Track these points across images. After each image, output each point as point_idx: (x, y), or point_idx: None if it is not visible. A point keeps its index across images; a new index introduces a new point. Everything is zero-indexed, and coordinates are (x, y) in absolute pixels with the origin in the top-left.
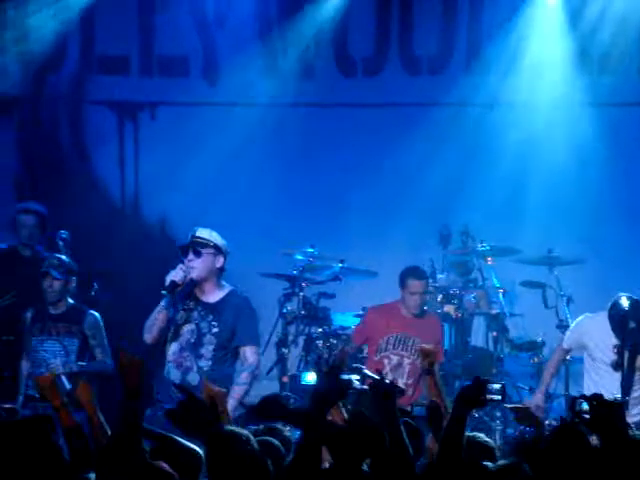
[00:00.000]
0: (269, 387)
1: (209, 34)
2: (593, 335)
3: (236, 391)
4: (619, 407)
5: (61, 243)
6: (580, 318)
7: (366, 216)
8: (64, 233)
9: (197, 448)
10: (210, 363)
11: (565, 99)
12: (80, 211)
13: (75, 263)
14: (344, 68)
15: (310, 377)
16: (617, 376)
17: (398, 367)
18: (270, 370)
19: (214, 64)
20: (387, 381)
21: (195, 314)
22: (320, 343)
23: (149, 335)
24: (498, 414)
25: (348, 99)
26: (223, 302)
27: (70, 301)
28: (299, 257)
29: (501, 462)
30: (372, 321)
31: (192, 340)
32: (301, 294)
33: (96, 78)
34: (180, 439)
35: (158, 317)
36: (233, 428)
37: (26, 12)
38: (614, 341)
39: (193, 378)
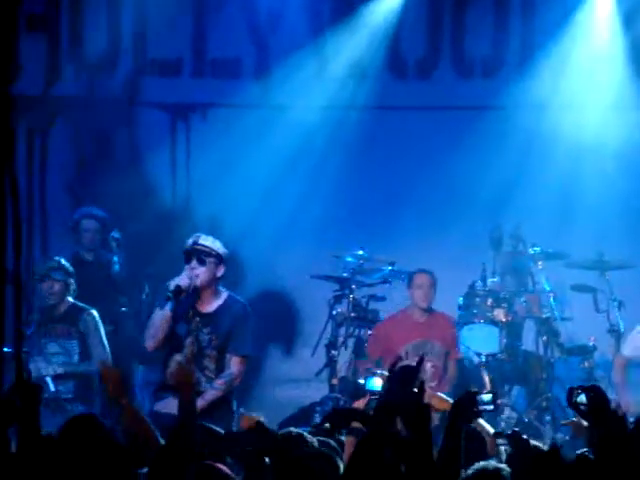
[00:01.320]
0: (319, 389)
1: (261, 36)
2: None
3: (208, 393)
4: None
5: (114, 243)
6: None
7: (417, 218)
8: (117, 233)
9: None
10: (216, 373)
11: (618, 102)
12: (132, 214)
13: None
14: (396, 70)
15: (377, 382)
16: None
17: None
18: (320, 372)
19: (266, 66)
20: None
21: (193, 325)
22: None
23: (152, 342)
24: (547, 418)
25: (400, 102)
26: (220, 311)
27: (70, 300)
28: (349, 259)
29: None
30: (385, 334)
31: (194, 352)
32: (351, 296)
33: (149, 80)
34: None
35: (162, 323)
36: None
37: (81, 14)
38: None
39: (204, 389)
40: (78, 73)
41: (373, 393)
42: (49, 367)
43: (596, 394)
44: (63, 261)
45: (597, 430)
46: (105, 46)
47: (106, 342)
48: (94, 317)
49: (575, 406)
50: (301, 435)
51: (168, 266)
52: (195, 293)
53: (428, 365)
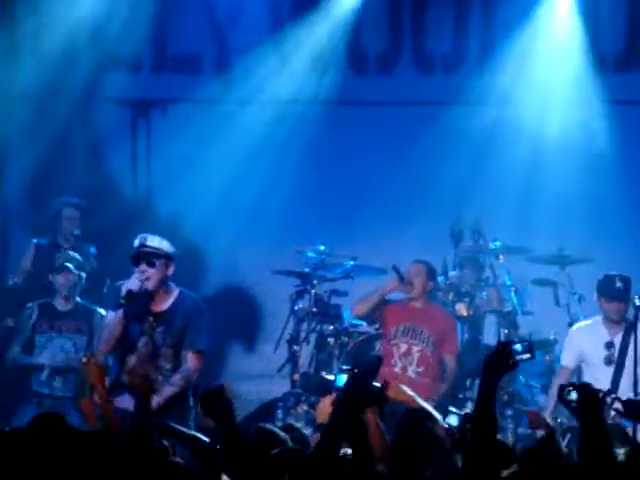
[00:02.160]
0: (281, 385)
1: (221, 31)
2: (585, 340)
3: (165, 390)
4: (603, 397)
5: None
6: (570, 332)
7: (378, 214)
8: (76, 230)
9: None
10: (171, 372)
11: (578, 97)
12: (93, 209)
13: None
14: (357, 66)
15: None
16: (610, 372)
17: (407, 355)
18: (282, 368)
19: (226, 61)
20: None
21: (146, 325)
22: (332, 341)
23: (106, 346)
24: (509, 412)
25: (360, 97)
26: (173, 309)
27: (78, 299)
28: (311, 254)
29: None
30: (390, 307)
31: (149, 352)
32: (313, 291)
33: (109, 76)
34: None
35: (116, 328)
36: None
37: (41, 9)
38: (606, 338)
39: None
40: (37, 68)
41: (341, 390)
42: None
43: (587, 392)
44: (76, 254)
45: (585, 427)
46: (64, 42)
47: None
48: (103, 316)
49: (566, 403)
50: (273, 432)
51: (129, 260)
52: (147, 295)
53: (414, 349)
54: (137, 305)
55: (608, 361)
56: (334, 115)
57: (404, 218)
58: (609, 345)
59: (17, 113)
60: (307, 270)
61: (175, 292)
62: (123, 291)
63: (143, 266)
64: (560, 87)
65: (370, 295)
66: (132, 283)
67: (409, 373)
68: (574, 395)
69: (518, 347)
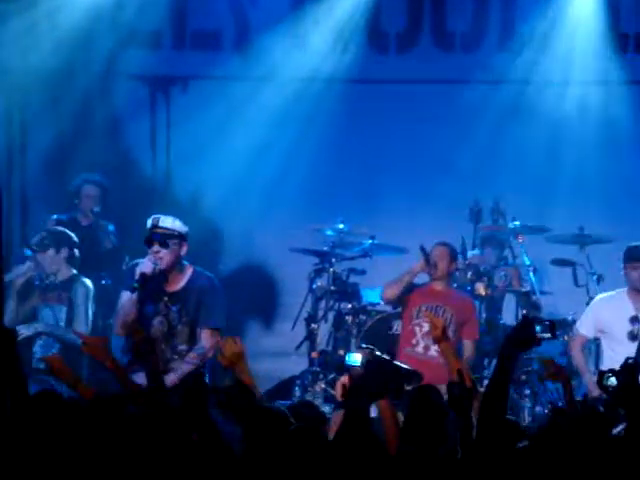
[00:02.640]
0: (299, 363)
1: (241, 8)
2: (608, 312)
3: (181, 368)
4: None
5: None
6: (593, 301)
7: (397, 192)
8: (96, 207)
9: None
10: (188, 349)
11: (599, 77)
12: (112, 186)
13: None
14: (377, 44)
15: (356, 357)
16: (633, 348)
17: (429, 335)
18: (299, 345)
19: (246, 39)
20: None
21: (161, 305)
22: (349, 319)
23: (121, 329)
24: (527, 392)
25: (380, 75)
26: (187, 287)
27: (72, 270)
28: (329, 233)
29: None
30: (412, 293)
31: (164, 331)
32: (331, 270)
33: (129, 52)
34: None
35: (131, 311)
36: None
37: None
38: (631, 313)
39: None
40: (57, 46)
41: (352, 368)
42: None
43: (627, 377)
44: (52, 229)
45: (628, 412)
46: (84, 18)
47: (91, 316)
48: (86, 287)
49: (605, 389)
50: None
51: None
52: (161, 276)
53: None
54: (151, 287)
55: (632, 336)
56: (354, 93)
57: (423, 197)
58: (634, 320)
59: (36, 91)
60: (325, 248)
61: (189, 271)
62: (136, 274)
63: (156, 247)
64: (580, 67)
65: (399, 278)
66: (145, 266)
67: (431, 352)
68: (613, 381)
69: (541, 325)
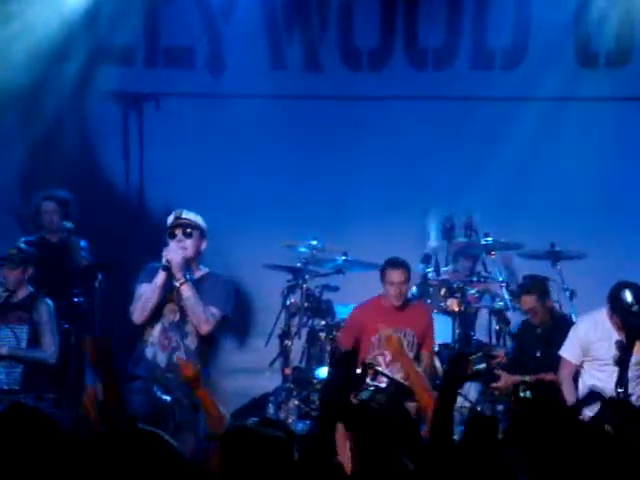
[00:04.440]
0: (272, 379)
1: (215, 25)
2: (594, 336)
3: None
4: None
5: (65, 234)
6: (577, 326)
7: (370, 209)
8: (68, 224)
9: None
10: (196, 340)
11: (571, 93)
12: (84, 203)
13: (33, 251)
14: (350, 61)
15: (323, 371)
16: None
17: (393, 363)
18: (273, 362)
19: (219, 56)
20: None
21: (174, 294)
22: (323, 335)
23: (141, 315)
24: (500, 408)
25: (353, 92)
26: (202, 278)
27: (30, 289)
28: (302, 249)
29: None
30: (360, 320)
31: (176, 319)
32: (304, 286)
33: (101, 69)
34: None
35: (153, 296)
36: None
37: (29, 4)
38: (615, 337)
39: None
40: (29, 61)
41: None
42: None
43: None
44: (23, 246)
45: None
46: (58, 34)
47: (56, 332)
48: (49, 306)
49: (522, 401)
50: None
51: (120, 254)
52: (184, 263)
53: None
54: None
55: (620, 361)
56: (326, 110)
57: (395, 213)
58: (619, 344)
59: (9, 106)
60: (298, 265)
61: (205, 270)
62: (163, 259)
63: (180, 236)
64: (552, 82)
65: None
66: (172, 252)
67: (397, 378)
68: (528, 393)
69: (475, 357)
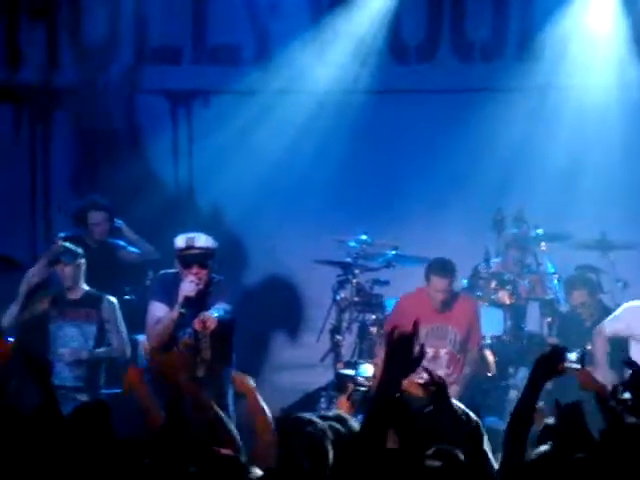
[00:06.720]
0: (324, 374)
1: (261, 22)
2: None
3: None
4: None
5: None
6: (629, 306)
7: (420, 202)
8: (119, 222)
9: None
10: (212, 359)
11: (620, 82)
12: (134, 201)
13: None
14: (397, 54)
15: (367, 368)
16: None
17: (435, 359)
18: (324, 357)
19: (266, 52)
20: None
21: (188, 317)
22: (374, 330)
23: (158, 343)
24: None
25: (401, 86)
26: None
27: (85, 287)
28: (352, 244)
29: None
30: (406, 310)
31: (191, 344)
32: (355, 281)
33: (149, 67)
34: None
35: (168, 330)
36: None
37: (80, 2)
38: None
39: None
40: (78, 62)
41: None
42: (74, 353)
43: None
44: (68, 244)
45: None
46: (105, 34)
47: (125, 329)
48: (114, 304)
49: (620, 402)
50: (311, 420)
51: (171, 253)
52: (201, 296)
53: (442, 352)
54: (193, 309)
55: None
56: (374, 104)
57: (445, 207)
58: None
59: (59, 106)
60: (349, 260)
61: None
62: (180, 298)
63: (195, 269)
64: (600, 72)
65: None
66: (188, 288)
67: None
68: (627, 394)
69: (571, 355)
